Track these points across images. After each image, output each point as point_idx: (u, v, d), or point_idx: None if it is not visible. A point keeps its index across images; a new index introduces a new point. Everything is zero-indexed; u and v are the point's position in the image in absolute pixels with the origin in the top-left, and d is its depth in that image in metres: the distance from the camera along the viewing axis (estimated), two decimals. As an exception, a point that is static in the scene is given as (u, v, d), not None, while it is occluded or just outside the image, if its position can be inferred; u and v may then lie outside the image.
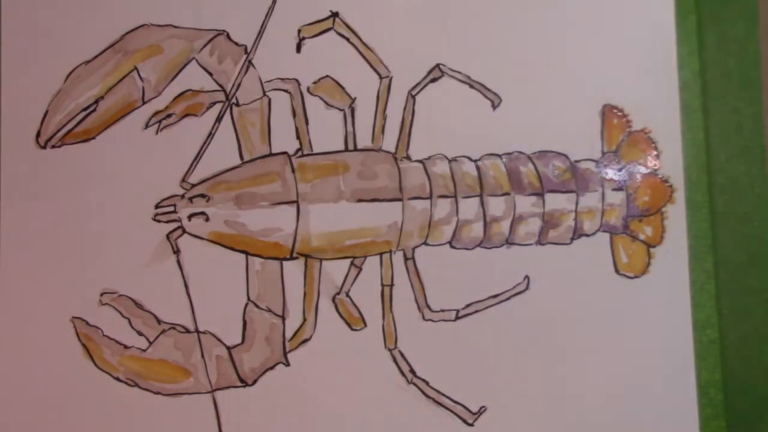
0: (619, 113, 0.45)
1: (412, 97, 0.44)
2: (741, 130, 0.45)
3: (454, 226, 0.43)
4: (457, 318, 0.43)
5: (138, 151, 0.43)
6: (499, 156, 0.44)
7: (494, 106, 0.44)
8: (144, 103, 0.43)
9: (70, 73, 0.43)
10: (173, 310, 0.42)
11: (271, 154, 0.43)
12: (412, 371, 0.42)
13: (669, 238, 0.44)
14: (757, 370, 0.44)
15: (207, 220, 0.42)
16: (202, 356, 0.42)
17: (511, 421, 0.43)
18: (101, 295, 0.42)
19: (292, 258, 0.43)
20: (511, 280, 0.43)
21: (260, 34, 0.43)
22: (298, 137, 0.43)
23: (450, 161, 0.44)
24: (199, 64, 0.43)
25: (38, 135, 0.42)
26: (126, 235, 0.42)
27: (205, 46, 0.43)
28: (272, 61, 0.43)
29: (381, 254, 0.43)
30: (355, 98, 0.44)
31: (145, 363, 0.42)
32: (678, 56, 0.45)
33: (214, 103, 0.43)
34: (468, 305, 0.43)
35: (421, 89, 0.44)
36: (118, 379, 0.42)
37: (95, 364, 0.42)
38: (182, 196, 0.42)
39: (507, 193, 0.44)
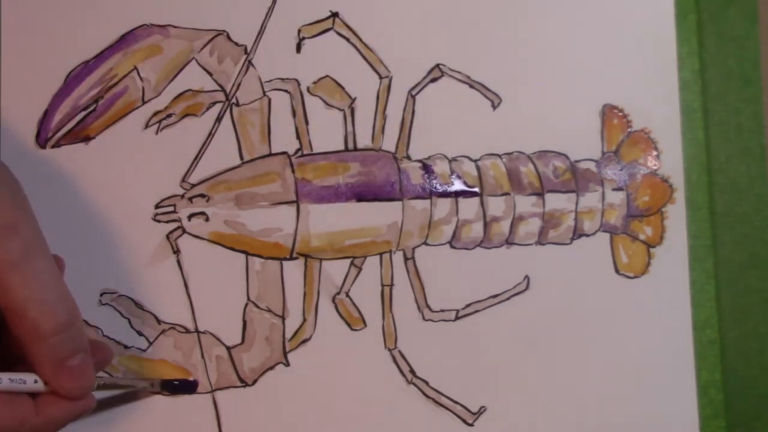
0: (619, 113, 0.45)
1: (412, 97, 0.44)
2: (741, 130, 0.45)
3: (454, 226, 0.43)
4: (457, 318, 0.43)
5: (138, 151, 0.43)
6: (499, 156, 0.44)
7: (494, 106, 0.44)
8: (144, 103, 0.43)
9: (70, 73, 0.43)
10: (173, 310, 0.42)
11: (271, 154, 0.43)
12: (412, 371, 0.42)
13: (669, 238, 0.44)
14: (757, 370, 0.44)
15: (207, 220, 0.42)
16: (202, 356, 0.42)
17: (511, 421, 0.43)
18: (101, 295, 0.42)
19: (292, 258, 0.43)
20: (511, 280, 0.43)
21: (260, 34, 0.43)
22: (298, 137, 0.43)
23: (450, 161, 0.44)
24: (199, 64, 0.43)
25: (38, 135, 0.42)
26: (126, 235, 0.42)
27: (205, 46, 0.43)
28: (272, 61, 0.43)
29: (381, 254, 0.43)
30: (355, 98, 0.44)
31: (145, 363, 0.42)
32: (678, 56, 0.45)
33: (214, 103, 0.43)
34: (468, 305, 0.43)
35: (421, 89, 0.44)
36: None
37: (95, 364, 0.42)
38: (182, 196, 0.42)
39: (507, 193, 0.44)
